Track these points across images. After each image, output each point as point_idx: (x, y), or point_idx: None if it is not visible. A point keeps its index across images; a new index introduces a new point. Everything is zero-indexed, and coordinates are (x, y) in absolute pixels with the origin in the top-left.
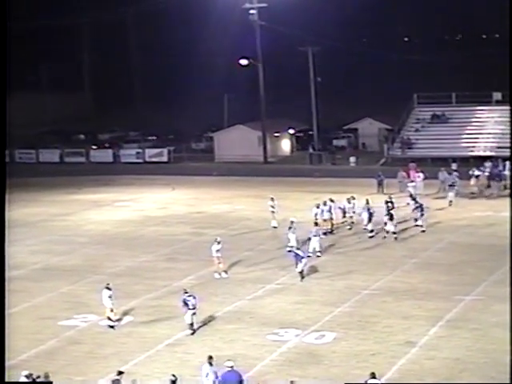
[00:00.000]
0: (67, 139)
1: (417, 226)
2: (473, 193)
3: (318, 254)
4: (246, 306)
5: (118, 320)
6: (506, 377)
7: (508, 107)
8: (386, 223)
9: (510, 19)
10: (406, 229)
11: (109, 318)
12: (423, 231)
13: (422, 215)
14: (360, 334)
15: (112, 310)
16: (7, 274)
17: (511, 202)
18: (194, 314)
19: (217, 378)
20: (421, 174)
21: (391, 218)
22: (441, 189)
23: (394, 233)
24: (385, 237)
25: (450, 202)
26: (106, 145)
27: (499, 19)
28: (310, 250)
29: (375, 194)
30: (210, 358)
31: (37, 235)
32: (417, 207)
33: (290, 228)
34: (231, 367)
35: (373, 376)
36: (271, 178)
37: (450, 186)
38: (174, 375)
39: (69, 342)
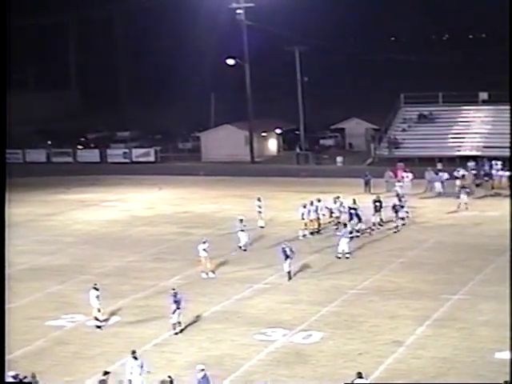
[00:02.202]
0: (55, 139)
1: (403, 225)
2: (464, 186)
3: (347, 255)
4: (234, 306)
5: (105, 320)
6: (493, 375)
7: (493, 107)
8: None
9: (510, 19)
10: (391, 229)
11: (96, 319)
12: (395, 232)
13: (406, 216)
14: (347, 333)
15: (99, 311)
16: None
17: (511, 202)
18: (180, 313)
19: (143, 371)
20: (409, 174)
21: (379, 213)
22: (427, 188)
23: (372, 229)
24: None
25: (466, 204)
26: (92, 145)
27: (486, 19)
28: (339, 251)
29: (362, 194)
30: (134, 352)
31: (24, 235)
32: (394, 206)
33: (241, 227)
34: (202, 370)
35: (359, 376)
36: (258, 177)
37: (462, 188)
38: (170, 376)
39: (56, 342)
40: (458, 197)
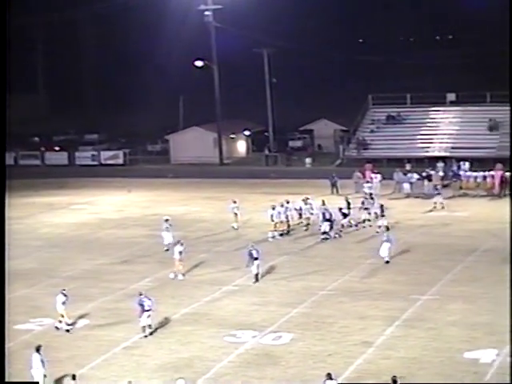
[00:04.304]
0: (22, 141)
1: (364, 227)
2: (436, 187)
3: (387, 259)
4: (203, 308)
5: (73, 324)
6: (461, 375)
7: (461, 108)
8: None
9: (510, 19)
10: (357, 230)
11: (60, 321)
12: (378, 232)
13: (383, 216)
14: (317, 334)
15: (62, 316)
16: None
17: (511, 202)
18: (150, 316)
19: (44, 366)
20: (378, 175)
21: (345, 216)
22: (396, 189)
23: (326, 232)
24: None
25: (442, 203)
26: (56, 148)
27: (453, 21)
28: (383, 254)
29: (329, 196)
30: (39, 346)
31: None
32: (366, 208)
33: (166, 226)
34: None
35: (329, 377)
36: (227, 179)
37: (435, 188)
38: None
39: (24, 346)
40: (429, 198)
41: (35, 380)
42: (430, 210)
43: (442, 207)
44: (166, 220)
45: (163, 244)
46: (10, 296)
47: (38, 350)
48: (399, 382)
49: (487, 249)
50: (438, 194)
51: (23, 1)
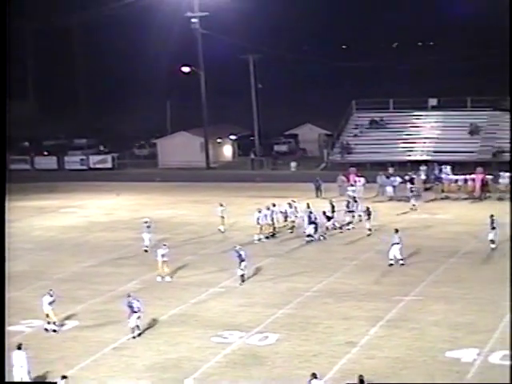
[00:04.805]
0: (12, 146)
1: (348, 229)
2: (412, 190)
3: (401, 262)
4: (191, 309)
5: (61, 325)
6: (444, 374)
7: (442, 113)
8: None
9: (510, 20)
10: (341, 232)
11: (48, 322)
12: (369, 234)
13: (369, 218)
14: (302, 335)
15: (47, 316)
16: None
17: (511, 202)
18: (139, 317)
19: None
20: (362, 179)
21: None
22: (379, 192)
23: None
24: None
25: (414, 206)
26: (45, 153)
27: (434, 28)
28: (391, 256)
29: (313, 199)
30: (20, 344)
31: None
32: (351, 211)
33: (146, 227)
34: None
35: (314, 377)
36: (213, 183)
37: (412, 191)
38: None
39: (15, 347)
40: (409, 200)
41: (17, 377)
42: (407, 212)
43: (415, 209)
44: (146, 222)
45: (143, 245)
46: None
47: (19, 347)
48: (383, 381)
49: (469, 250)
50: (414, 196)
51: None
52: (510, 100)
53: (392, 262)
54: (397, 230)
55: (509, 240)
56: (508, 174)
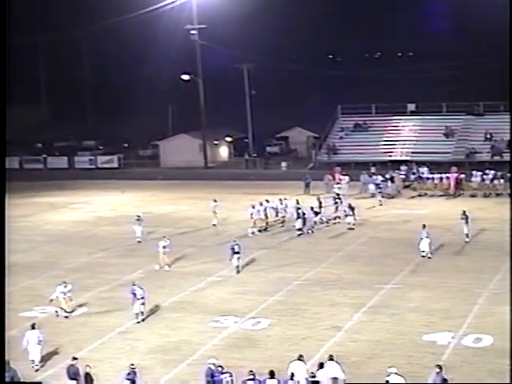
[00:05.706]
0: (27, 147)
1: (335, 223)
2: (379, 186)
3: (429, 255)
4: (190, 297)
5: (72, 311)
6: (421, 355)
7: (420, 117)
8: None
9: (510, 20)
10: (328, 226)
11: (61, 308)
12: (352, 229)
13: (354, 214)
14: (292, 320)
15: (51, 301)
16: None
17: (511, 202)
18: (143, 304)
19: (40, 341)
20: (346, 177)
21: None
22: (362, 190)
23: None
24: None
25: (380, 201)
26: (56, 153)
27: (414, 39)
28: (422, 249)
29: (302, 195)
30: (34, 324)
31: None
32: (337, 207)
33: (137, 220)
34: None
35: (299, 358)
36: (211, 181)
37: (377, 187)
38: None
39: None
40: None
41: (31, 355)
42: (373, 207)
43: (380, 204)
44: (138, 216)
45: (136, 237)
46: (16, 286)
47: (33, 327)
48: (366, 362)
49: (443, 243)
50: (380, 193)
51: (26, 21)
52: (510, 100)
53: (424, 254)
54: (424, 226)
55: (479, 233)
56: (480, 173)
